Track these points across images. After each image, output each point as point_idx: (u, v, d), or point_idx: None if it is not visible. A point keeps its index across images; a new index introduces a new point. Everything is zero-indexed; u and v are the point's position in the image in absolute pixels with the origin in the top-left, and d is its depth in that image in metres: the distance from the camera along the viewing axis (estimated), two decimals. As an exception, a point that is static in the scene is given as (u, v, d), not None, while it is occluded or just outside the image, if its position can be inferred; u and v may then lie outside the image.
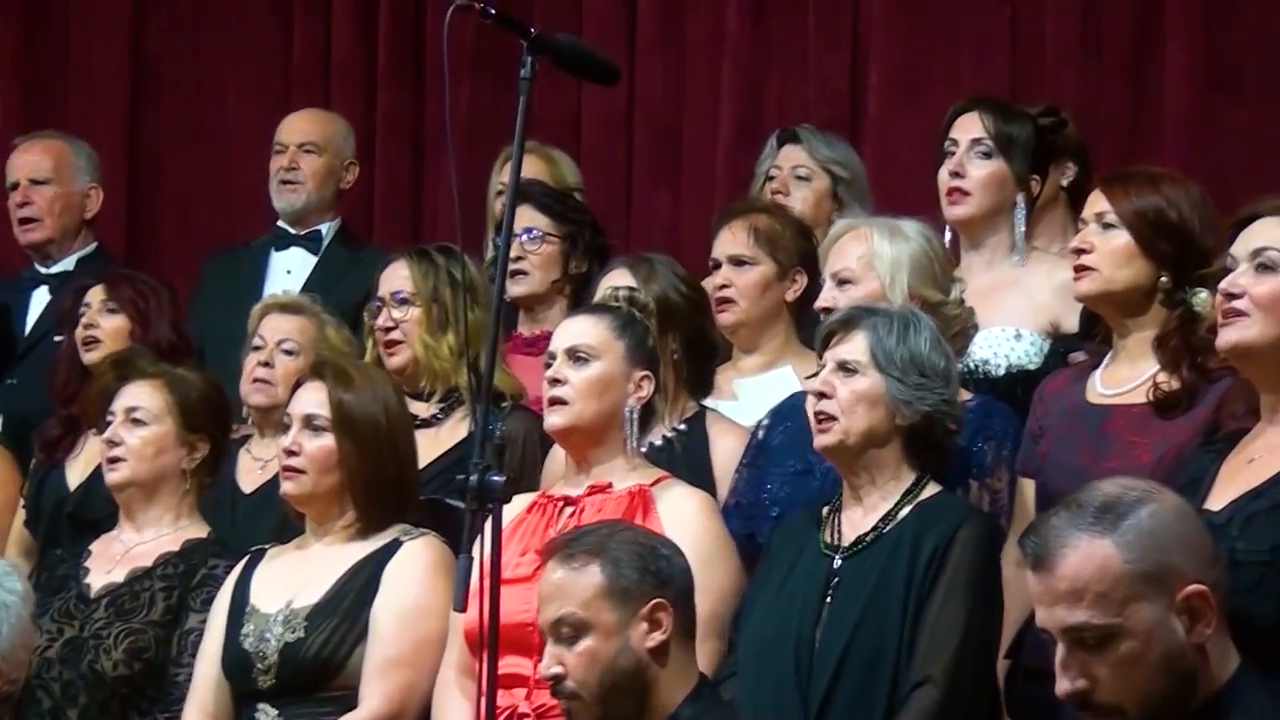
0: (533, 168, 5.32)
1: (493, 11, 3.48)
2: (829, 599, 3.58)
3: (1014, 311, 4.42)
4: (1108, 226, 3.74)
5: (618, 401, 3.87)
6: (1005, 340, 4.37)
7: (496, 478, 3.13)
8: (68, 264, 6.03)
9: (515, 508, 3.90)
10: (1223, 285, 3.28)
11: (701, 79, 6.53)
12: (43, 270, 6.09)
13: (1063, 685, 2.53)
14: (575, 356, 3.89)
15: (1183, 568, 2.53)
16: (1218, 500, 3.20)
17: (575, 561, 3.20)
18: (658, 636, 3.17)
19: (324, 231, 5.81)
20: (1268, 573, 3.07)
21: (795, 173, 5.16)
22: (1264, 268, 3.25)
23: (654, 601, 3.16)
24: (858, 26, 6.33)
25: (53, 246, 5.96)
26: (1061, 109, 5.09)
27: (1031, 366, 4.33)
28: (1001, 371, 4.35)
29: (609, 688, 3.15)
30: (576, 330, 3.99)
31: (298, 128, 5.91)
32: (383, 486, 4.03)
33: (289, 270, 5.83)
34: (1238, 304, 3.26)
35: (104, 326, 5.11)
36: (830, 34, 6.34)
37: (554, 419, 3.91)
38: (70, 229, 5.95)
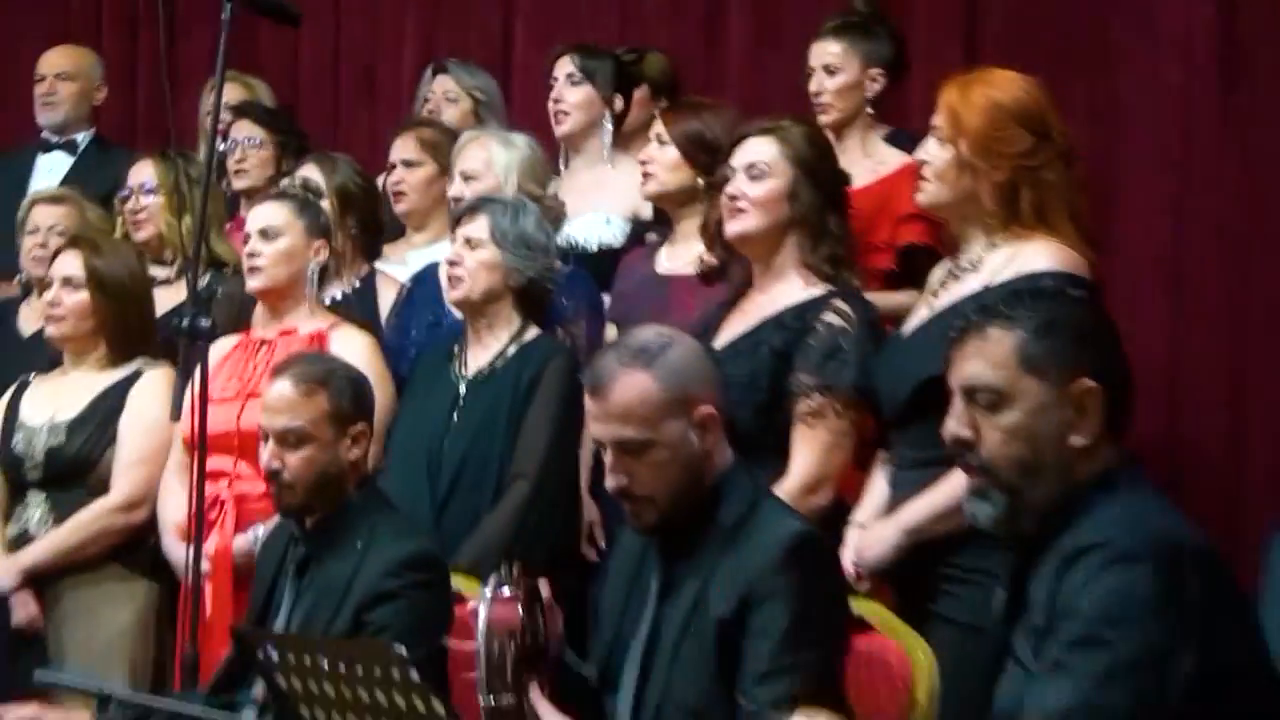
0: (237, 92, 5.55)
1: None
2: (455, 416, 3.87)
3: (605, 202, 4.57)
4: (663, 143, 3.98)
5: (300, 266, 4.10)
6: (598, 225, 4.53)
7: (204, 322, 3.44)
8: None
9: (225, 345, 4.13)
10: (726, 190, 3.54)
11: (391, 27, 6.52)
12: None
13: (610, 482, 2.72)
14: (265, 234, 4.11)
15: (699, 394, 2.71)
16: (720, 341, 3.51)
17: (306, 385, 3.30)
18: (357, 451, 3.31)
19: (79, 139, 5.91)
20: (746, 391, 3.36)
21: (445, 96, 5.34)
22: (754, 176, 3.52)
23: (359, 426, 3.31)
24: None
25: None
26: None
27: (617, 245, 4.50)
28: (594, 248, 4.50)
29: (317, 485, 3.26)
30: (265, 214, 4.20)
31: (52, 61, 6.06)
32: (127, 330, 4.24)
33: (51, 169, 5.94)
34: (739, 204, 3.53)
35: None
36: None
37: (252, 282, 4.15)
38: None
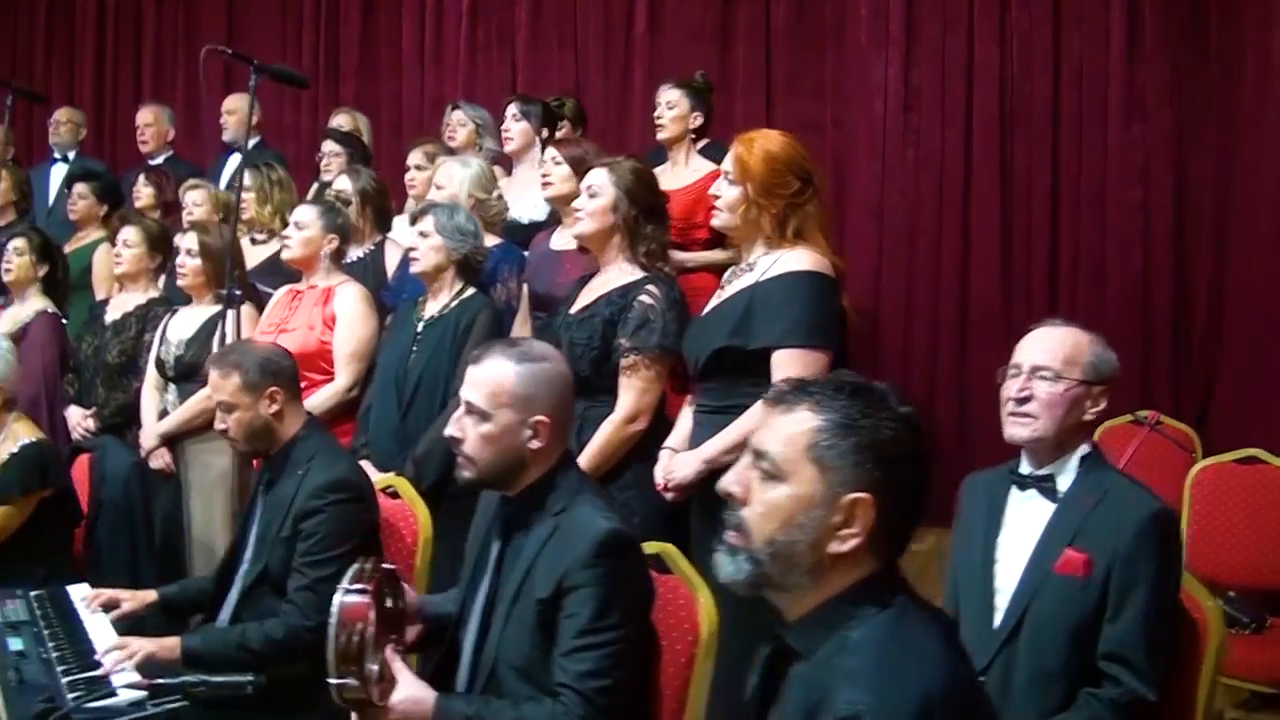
0: (343, 120, 6.15)
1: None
2: (415, 349, 3.91)
3: (535, 195, 4.68)
4: (558, 163, 4.12)
5: (316, 249, 4.31)
6: (530, 208, 4.78)
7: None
8: None
9: (281, 291, 4.38)
10: (574, 204, 3.56)
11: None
12: None
13: (451, 430, 2.52)
14: (298, 225, 4.31)
15: (542, 404, 2.46)
16: (574, 309, 3.53)
17: (225, 368, 3.22)
18: (275, 406, 3.18)
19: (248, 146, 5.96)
20: (586, 349, 3.41)
21: (459, 123, 5.54)
22: (591, 195, 3.51)
23: (271, 389, 3.18)
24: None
25: None
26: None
27: (541, 219, 4.67)
28: (526, 222, 4.72)
29: (249, 436, 3.21)
30: (300, 212, 4.36)
31: (230, 104, 6.39)
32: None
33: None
34: (578, 214, 3.52)
35: None
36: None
37: (284, 255, 4.36)
38: None
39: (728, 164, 3.18)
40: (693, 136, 4.76)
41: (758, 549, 1.69)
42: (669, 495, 3.14)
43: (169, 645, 2.89)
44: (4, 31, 8.28)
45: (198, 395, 4.32)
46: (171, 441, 4.46)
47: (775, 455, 1.69)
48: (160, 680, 2.55)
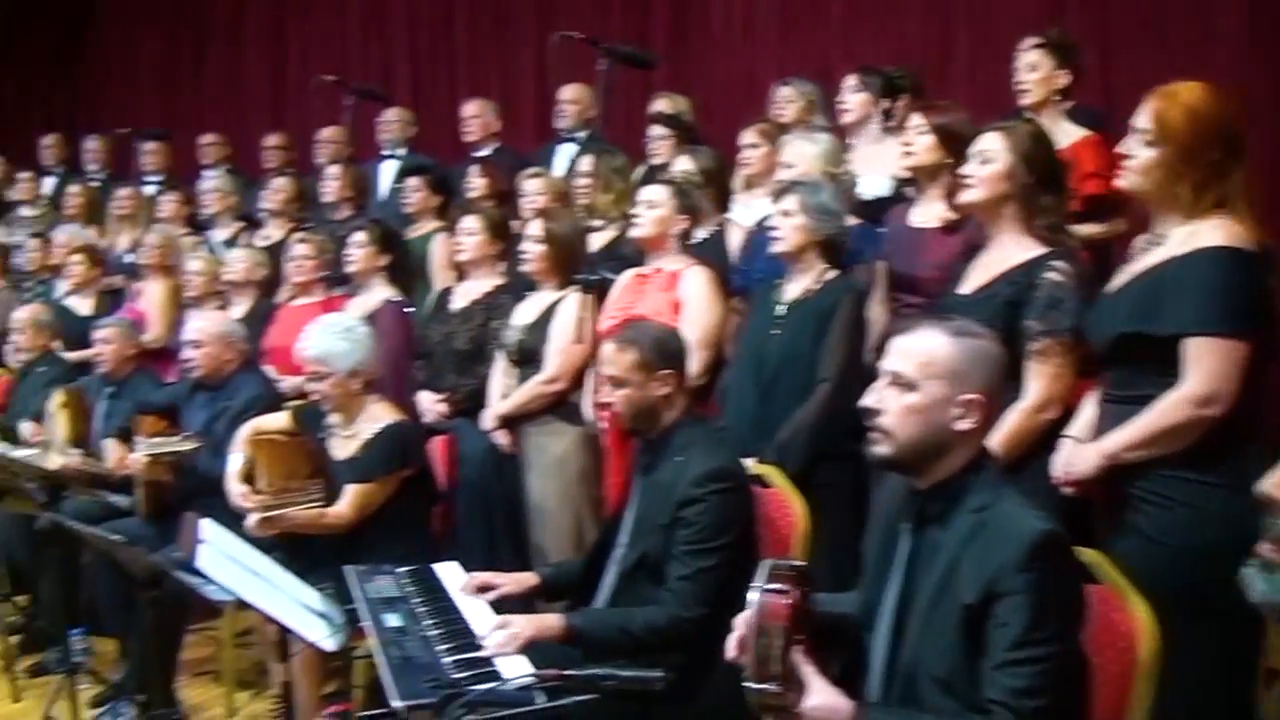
0: (664, 104, 5.94)
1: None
2: (777, 331, 3.79)
3: (878, 168, 4.58)
4: (922, 132, 3.89)
5: (667, 229, 4.24)
6: (873, 183, 4.54)
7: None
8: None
9: (628, 274, 4.34)
10: (961, 169, 3.33)
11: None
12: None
13: (869, 399, 2.35)
14: (650, 205, 4.23)
15: (976, 381, 2.30)
16: (964, 289, 3.29)
17: (623, 343, 3.16)
18: (666, 389, 3.10)
19: (580, 137, 6.08)
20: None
21: (788, 99, 5.29)
22: (982, 161, 3.25)
23: (663, 371, 3.11)
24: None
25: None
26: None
27: (885, 195, 4.49)
28: (869, 198, 4.47)
29: (635, 415, 3.13)
30: (650, 191, 4.31)
31: (568, 93, 6.23)
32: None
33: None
34: (967, 180, 3.28)
35: None
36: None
37: (632, 233, 4.33)
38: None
39: (1144, 120, 2.79)
40: (1058, 99, 4.39)
41: None
42: (1066, 490, 2.88)
43: (550, 624, 2.87)
44: (324, 34, 8.55)
45: (533, 380, 4.37)
46: (512, 423, 4.46)
47: None
48: (570, 671, 2.49)
